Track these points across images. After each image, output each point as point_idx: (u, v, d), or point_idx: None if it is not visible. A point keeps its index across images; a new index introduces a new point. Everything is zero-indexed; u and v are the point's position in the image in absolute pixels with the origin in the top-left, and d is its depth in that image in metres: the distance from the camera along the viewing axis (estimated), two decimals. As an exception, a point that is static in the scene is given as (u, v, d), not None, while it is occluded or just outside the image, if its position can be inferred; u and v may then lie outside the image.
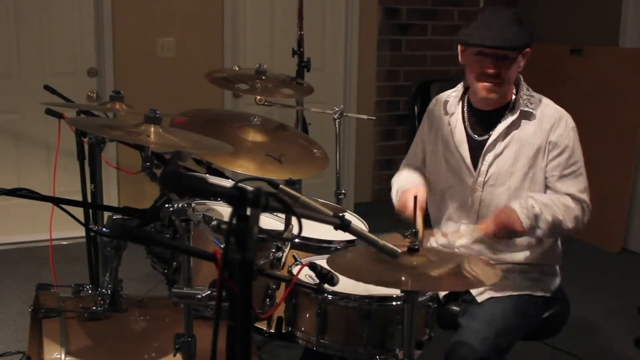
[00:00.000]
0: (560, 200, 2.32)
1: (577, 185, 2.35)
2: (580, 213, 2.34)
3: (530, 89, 2.43)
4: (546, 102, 2.42)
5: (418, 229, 2.15)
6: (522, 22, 2.31)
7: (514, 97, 2.41)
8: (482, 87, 2.35)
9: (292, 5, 3.96)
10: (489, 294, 2.31)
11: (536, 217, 2.26)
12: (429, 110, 2.59)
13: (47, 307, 2.24)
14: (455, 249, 2.46)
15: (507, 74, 2.32)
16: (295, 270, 2.08)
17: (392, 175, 2.65)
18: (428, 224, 2.51)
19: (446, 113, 2.49)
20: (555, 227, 2.30)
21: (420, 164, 2.61)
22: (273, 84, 3.01)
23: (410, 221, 2.22)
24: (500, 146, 2.38)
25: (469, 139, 2.44)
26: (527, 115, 2.37)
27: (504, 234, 2.29)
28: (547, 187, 2.37)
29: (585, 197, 2.36)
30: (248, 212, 1.16)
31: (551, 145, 2.34)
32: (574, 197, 2.34)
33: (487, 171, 2.39)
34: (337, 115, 3.04)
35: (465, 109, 2.47)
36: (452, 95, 2.49)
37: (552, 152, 2.35)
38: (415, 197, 2.14)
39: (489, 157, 2.39)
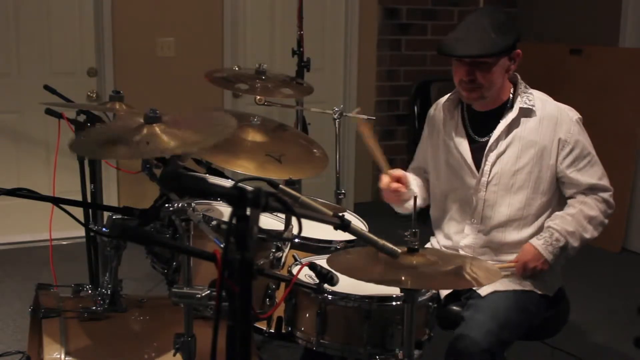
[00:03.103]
0: (583, 214, 2.36)
1: (596, 173, 2.40)
2: (603, 212, 2.40)
3: (527, 87, 2.43)
4: (545, 98, 2.43)
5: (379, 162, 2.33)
6: (504, 25, 2.30)
7: (511, 95, 2.41)
8: (463, 92, 2.38)
9: (292, 5, 3.96)
10: (492, 288, 2.32)
11: (562, 249, 2.34)
12: (429, 116, 2.60)
13: (47, 307, 2.24)
14: (459, 249, 2.46)
15: (487, 79, 2.32)
16: (295, 270, 2.08)
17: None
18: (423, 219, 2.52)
19: (445, 116, 2.50)
20: (584, 244, 2.41)
21: (426, 168, 2.62)
22: (273, 84, 3.01)
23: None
24: (502, 145, 2.38)
25: (470, 139, 2.44)
26: (527, 113, 2.37)
27: (531, 273, 2.35)
28: (563, 182, 2.39)
29: (605, 182, 2.41)
30: (248, 212, 1.16)
31: (561, 144, 2.36)
32: (595, 187, 2.38)
33: (490, 171, 2.39)
34: (337, 115, 3.04)
35: (464, 110, 2.48)
36: (451, 99, 2.50)
37: (563, 149, 2.36)
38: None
39: (492, 156, 2.39)
